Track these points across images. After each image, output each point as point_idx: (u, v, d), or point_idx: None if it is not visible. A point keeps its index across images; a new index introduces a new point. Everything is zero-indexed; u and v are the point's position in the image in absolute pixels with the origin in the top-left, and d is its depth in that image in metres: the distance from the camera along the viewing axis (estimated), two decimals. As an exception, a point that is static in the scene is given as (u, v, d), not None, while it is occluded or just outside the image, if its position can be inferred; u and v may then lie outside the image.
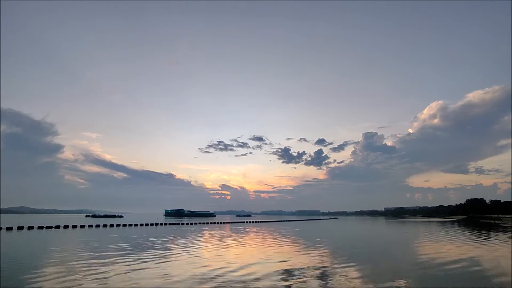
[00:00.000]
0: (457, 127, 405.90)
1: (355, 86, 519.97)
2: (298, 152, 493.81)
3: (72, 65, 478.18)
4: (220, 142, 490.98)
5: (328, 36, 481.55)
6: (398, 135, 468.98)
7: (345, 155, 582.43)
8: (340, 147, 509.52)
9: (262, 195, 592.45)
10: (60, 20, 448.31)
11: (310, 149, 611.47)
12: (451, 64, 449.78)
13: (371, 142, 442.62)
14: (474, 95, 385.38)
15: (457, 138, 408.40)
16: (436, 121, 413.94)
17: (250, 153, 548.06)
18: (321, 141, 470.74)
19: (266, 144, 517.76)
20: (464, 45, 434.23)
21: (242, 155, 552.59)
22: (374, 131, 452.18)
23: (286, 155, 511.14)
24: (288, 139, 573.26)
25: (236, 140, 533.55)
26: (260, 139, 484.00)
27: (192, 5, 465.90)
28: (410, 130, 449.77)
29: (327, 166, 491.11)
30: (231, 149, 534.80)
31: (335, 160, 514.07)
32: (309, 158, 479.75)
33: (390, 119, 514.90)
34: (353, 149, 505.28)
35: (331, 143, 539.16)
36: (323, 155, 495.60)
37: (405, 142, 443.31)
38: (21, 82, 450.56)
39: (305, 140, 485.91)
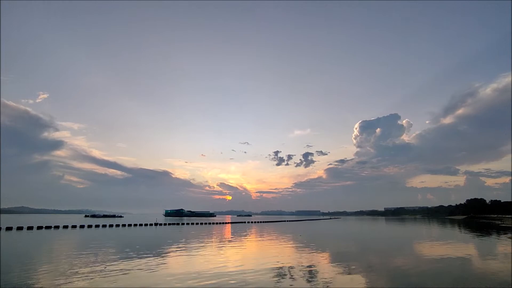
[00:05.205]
0: (478, 122, 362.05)
1: (354, 80, 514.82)
2: (289, 155, 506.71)
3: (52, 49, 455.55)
4: (213, 148, 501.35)
5: (325, 36, 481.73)
6: (406, 134, 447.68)
7: (342, 155, 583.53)
8: (334, 148, 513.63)
9: (263, 195, 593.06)
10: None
11: (301, 151, 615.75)
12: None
13: (373, 141, 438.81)
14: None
15: (473, 135, 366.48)
16: (455, 114, 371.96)
17: (243, 155, 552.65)
18: (309, 146, 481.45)
19: (259, 147, 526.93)
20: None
21: (235, 158, 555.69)
22: (378, 129, 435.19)
23: (277, 158, 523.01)
24: (282, 143, 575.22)
25: (229, 145, 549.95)
26: (250, 143, 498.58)
27: (192, 6, 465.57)
28: (427, 122, 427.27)
29: (325, 167, 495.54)
30: (226, 153, 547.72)
31: (328, 162, 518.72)
32: (298, 161, 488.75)
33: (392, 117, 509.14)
34: (351, 148, 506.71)
35: (320, 146, 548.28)
36: (309, 157, 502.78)
37: (412, 141, 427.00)
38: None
39: (295, 144, 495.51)
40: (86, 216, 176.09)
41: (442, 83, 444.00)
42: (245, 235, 40.77)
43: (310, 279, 13.12)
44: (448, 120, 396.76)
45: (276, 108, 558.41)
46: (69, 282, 12.31)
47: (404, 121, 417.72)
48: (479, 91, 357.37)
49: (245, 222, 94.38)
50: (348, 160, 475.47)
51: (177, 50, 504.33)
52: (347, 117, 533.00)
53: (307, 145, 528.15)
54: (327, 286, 11.91)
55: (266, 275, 14.05)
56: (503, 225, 73.01)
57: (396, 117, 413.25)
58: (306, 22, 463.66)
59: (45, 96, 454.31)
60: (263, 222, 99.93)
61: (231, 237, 36.85)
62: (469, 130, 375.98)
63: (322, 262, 18.04)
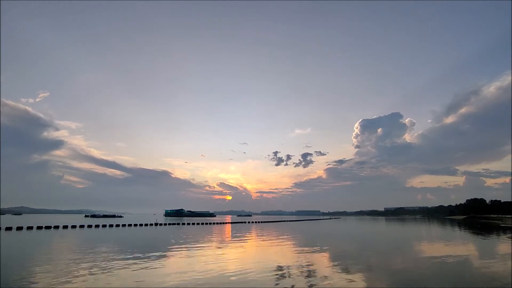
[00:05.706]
0: (480, 121, 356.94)
1: (355, 78, 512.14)
2: (288, 155, 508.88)
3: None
4: (213, 148, 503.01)
5: (323, 38, 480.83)
6: (408, 134, 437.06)
7: (342, 155, 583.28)
8: (334, 148, 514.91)
9: (263, 195, 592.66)
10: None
11: (300, 152, 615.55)
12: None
13: (374, 140, 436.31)
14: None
15: (474, 135, 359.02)
16: (458, 113, 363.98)
17: (242, 155, 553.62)
18: (308, 146, 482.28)
19: (259, 148, 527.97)
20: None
21: (234, 158, 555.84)
22: (380, 128, 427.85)
23: (276, 158, 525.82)
24: (281, 144, 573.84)
25: (229, 145, 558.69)
26: (249, 144, 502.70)
27: (192, 5, 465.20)
28: (429, 121, 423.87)
29: (324, 167, 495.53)
30: (225, 153, 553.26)
31: (327, 162, 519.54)
32: (297, 161, 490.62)
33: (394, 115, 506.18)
34: (351, 148, 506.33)
35: (318, 147, 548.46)
36: (308, 158, 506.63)
37: (414, 140, 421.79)
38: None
39: (294, 144, 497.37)
40: (86, 216, 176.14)
41: (445, 82, 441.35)
42: (245, 235, 40.72)
43: (310, 279, 13.08)
44: (450, 119, 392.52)
45: (275, 108, 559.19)
46: (69, 282, 12.28)
47: (406, 120, 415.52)
48: (483, 89, 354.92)
49: (245, 222, 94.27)
50: (347, 160, 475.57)
51: (177, 49, 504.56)
52: (348, 116, 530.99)
53: (306, 145, 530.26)
54: (327, 286, 11.89)
55: (266, 275, 14.01)
56: (503, 225, 73.00)
57: (398, 116, 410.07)
58: (306, 21, 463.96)
59: (45, 95, 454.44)
60: (263, 222, 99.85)
61: (231, 237, 36.82)
62: (470, 129, 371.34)
63: (323, 262, 18.00)
